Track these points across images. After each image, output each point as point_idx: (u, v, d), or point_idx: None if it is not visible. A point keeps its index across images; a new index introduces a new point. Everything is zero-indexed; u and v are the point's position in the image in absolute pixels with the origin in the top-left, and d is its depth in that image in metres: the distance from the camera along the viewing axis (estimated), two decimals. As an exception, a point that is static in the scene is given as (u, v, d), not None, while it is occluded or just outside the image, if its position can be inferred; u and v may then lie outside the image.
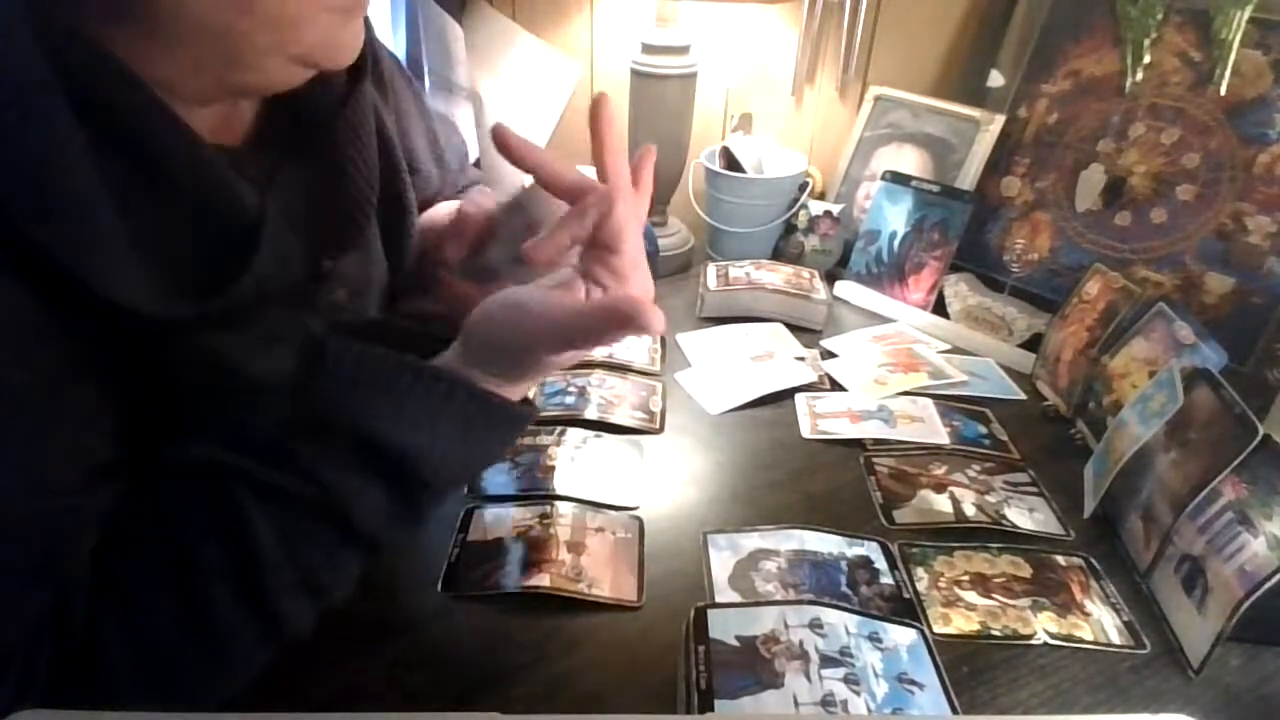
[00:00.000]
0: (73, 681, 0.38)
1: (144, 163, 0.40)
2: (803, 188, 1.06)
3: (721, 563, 0.60)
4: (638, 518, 0.64)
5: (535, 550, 0.59)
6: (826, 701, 0.47)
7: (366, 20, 0.48)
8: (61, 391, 0.40)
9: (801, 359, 0.87)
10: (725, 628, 0.51)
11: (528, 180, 0.86)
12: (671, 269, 1.07)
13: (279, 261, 0.47)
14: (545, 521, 0.62)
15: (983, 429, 0.77)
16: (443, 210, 0.77)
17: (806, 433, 0.76)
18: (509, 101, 1.10)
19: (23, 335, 0.38)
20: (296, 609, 0.41)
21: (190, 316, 0.42)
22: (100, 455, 0.42)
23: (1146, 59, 0.89)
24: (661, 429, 0.76)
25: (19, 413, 0.37)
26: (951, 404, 0.81)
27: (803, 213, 1.06)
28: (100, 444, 0.42)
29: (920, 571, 0.60)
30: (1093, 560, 0.62)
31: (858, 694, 0.47)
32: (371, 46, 0.54)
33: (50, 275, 0.37)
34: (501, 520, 0.62)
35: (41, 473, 0.39)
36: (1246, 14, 0.82)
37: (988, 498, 0.68)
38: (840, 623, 0.52)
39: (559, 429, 0.73)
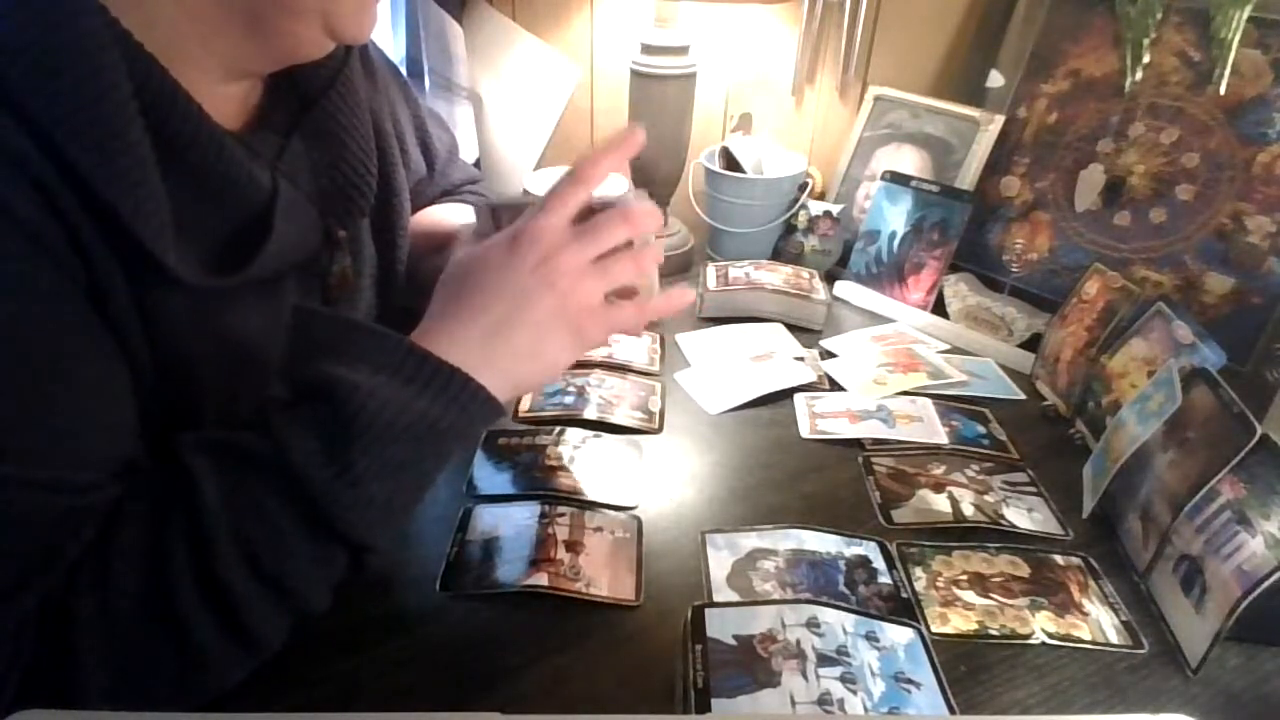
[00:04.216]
0: (44, 676, 0.38)
1: (173, 150, 0.43)
2: (802, 188, 1.06)
3: (719, 562, 0.60)
4: (636, 517, 0.64)
5: (534, 549, 0.59)
6: (823, 700, 0.47)
7: None
8: (94, 379, 0.42)
9: (801, 359, 0.87)
10: (723, 627, 0.51)
11: (528, 181, 0.87)
12: (671, 269, 1.07)
13: (294, 235, 0.51)
14: (544, 521, 0.62)
15: (982, 429, 0.77)
16: (440, 213, 0.78)
17: (805, 433, 0.76)
18: (509, 101, 1.10)
19: (66, 320, 0.40)
20: (243, 582, 0.40)
21: (219, 289, 0.46)
22: (118, 451, 0.42)
23: (1146, 59, 0.89)
24: (660, 429, 0.76)
25: (53, 394, 0.39)
26: (951, 404, 0.81)
27: (802, 213, 1.06)
28: (120, 440, 0.43)
29: (918, 571, 0.60)
30: (1091, 560, 0.62)
31: (855, 693, 0.47)
32: None
33: (106, 243, 0.41)
34: (500, 519, 0.62)
35: (64, 467, 0.39)
36: (1246, 13, 0.81)
37: (986, 497, 0.68)
38: (838, 622, 0.52)
39: (558, 429, 0.73)
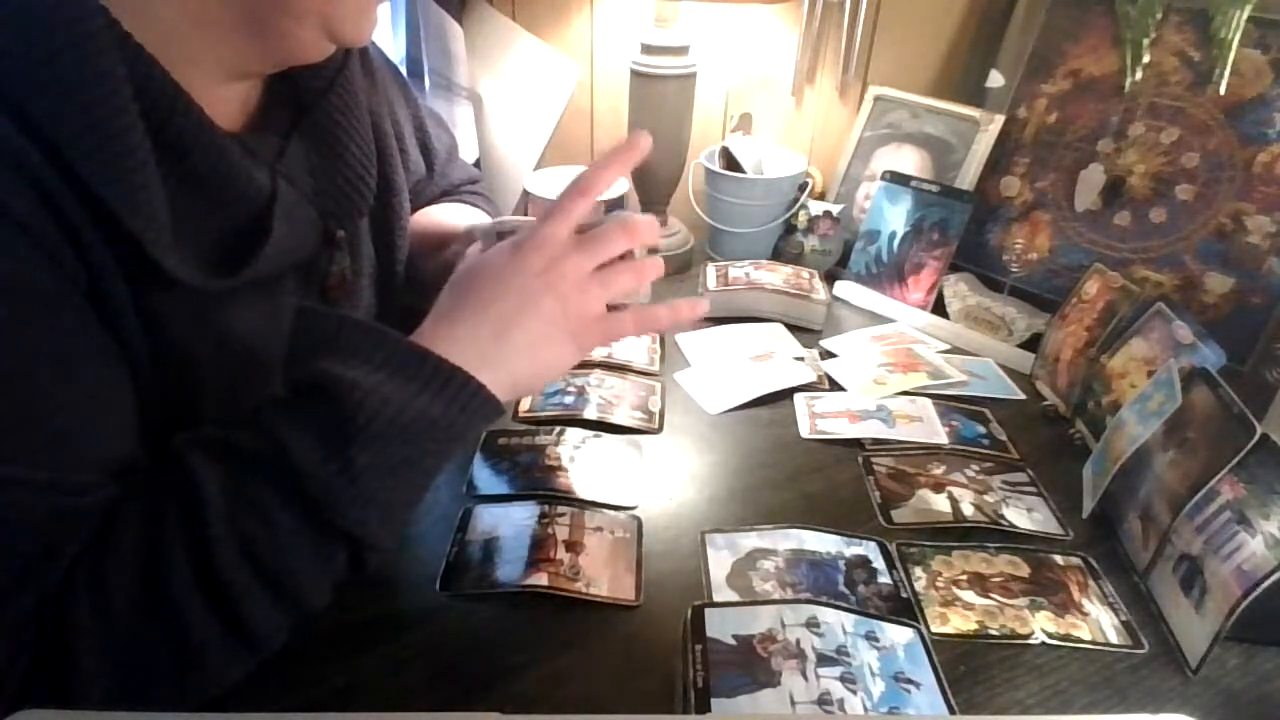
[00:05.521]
0: (44, 676, 0.37)
1: (174, 152, 0.43)
2: (802, 188, 1.06)
3: (719, 562, 0.60)
4: (636, 517, 0.64)
5: (534, 549, 0.59)
6: (823, 700, 0.47)
7: None
8: (94, 381, 0.42)
9: (801, 359, 0.87)
10: (723, 627, 0.51)
11: (528, 182, 0.87)
12: (671, 269, 1.07)
13: (293, 236, 0.51)
14: (544, 521, 0.62)
15: (982, 429, 0.77)
16: (440, 213, 0.78)
17: (805, 432, 0.76)
18: (509, 101, 1.10)
19: (66, 322, 0.40)
20: (243, 580, 0.39)
21: (218, 290, 0.46)
22: (117, 452, 0.42)
23: (1146, 59, 0.89)
24: (660, 429, 0.76)
25: (52, 396, 0.39)
26: (950, 404, 0.81)
27: (802, 213, 1.06)
28: (119, 441, 0.43)
29: (918, 571, 0.60)
30: (1091, 560, 0.62)
31: (854, 693, 0.47)
32: None
33: (106, 244, 0.41)
34: (500, 519, 0.62)
35: (63, 468, 0.39)
36: (1246, 13, 0.82)
37: (986, 497, 0.68)
38: (837, 622, 0.52)
39: (558, 429, 0.73)
